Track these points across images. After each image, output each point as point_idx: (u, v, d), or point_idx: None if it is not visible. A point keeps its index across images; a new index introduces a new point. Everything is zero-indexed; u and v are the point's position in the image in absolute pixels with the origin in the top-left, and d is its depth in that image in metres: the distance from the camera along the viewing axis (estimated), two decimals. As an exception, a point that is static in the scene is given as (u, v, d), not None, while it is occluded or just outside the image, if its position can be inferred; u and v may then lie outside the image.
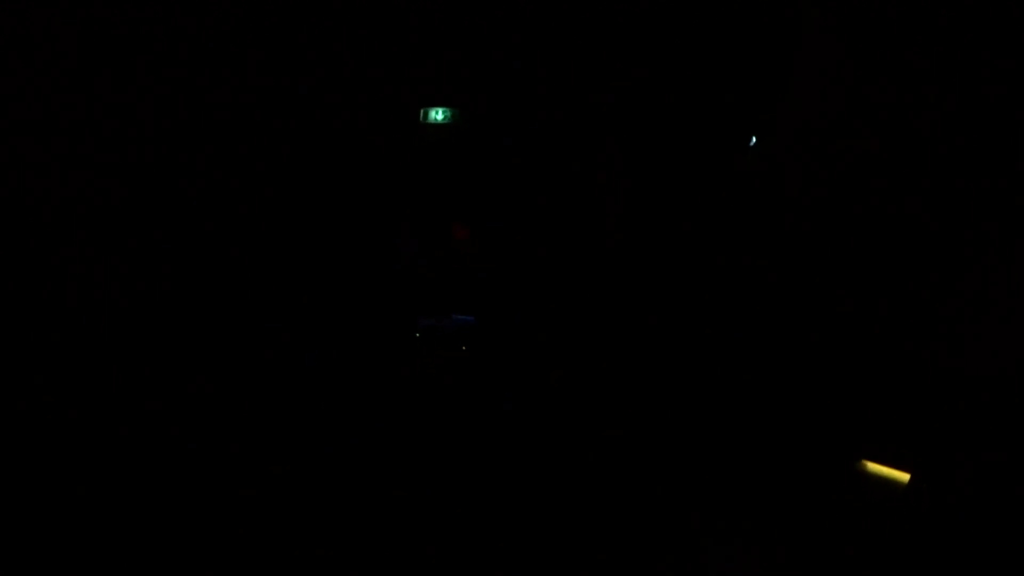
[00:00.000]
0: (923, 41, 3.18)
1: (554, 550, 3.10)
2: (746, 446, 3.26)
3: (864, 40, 3.26)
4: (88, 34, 2.99)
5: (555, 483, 3.22)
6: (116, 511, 2.92)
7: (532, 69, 3.25)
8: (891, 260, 3.26)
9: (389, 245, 3.26)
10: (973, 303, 3.18)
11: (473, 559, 2.99)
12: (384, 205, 3.25)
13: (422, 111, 3.22)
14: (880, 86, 3.25)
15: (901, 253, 3.25)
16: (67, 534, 2.83)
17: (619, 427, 3.30)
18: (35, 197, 2.98)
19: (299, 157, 3.17)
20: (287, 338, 3.18)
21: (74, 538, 2.83)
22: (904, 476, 3.26)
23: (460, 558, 3.01)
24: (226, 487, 3.04)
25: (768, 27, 3.28)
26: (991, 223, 3.14)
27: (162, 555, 2.87)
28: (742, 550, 3.14)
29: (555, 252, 3.32)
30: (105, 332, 3.06)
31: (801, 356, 3.30)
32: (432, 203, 3.30)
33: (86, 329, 3.04)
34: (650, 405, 3.31)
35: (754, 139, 3.26)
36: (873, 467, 3.30)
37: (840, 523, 3.22)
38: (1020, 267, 3.07)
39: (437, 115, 3.22)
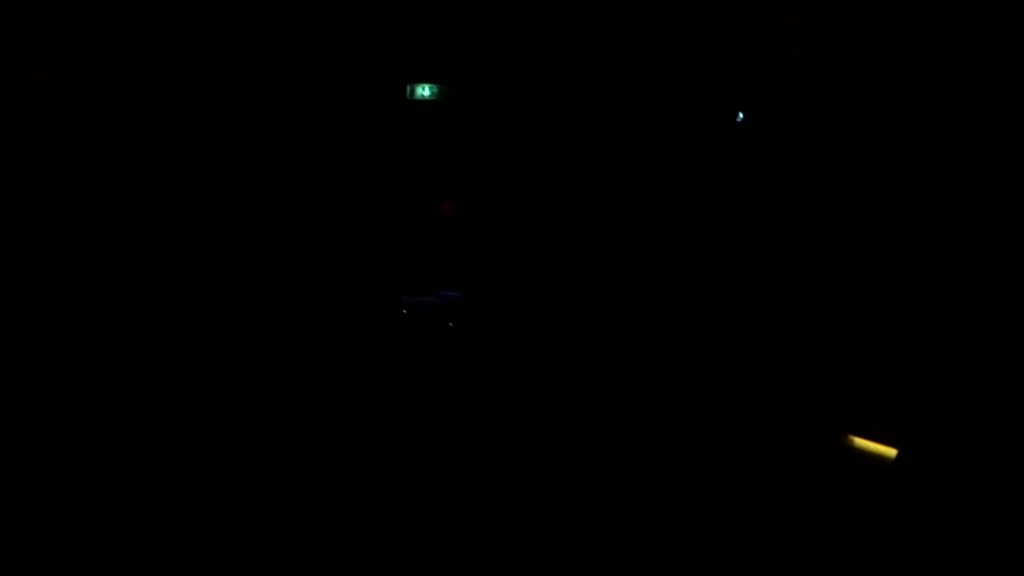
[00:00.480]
0: (912, 20, 3.19)
1: (542, 531, 3.08)
2: (735, 422, 3.26)
3: (852, 17, 3.27)
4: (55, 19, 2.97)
5: (540, 461, 3.21)
6: (104, 499, 2.90)
7: (519, 45, 3.24)
8: (877, 238, 3.27)
9: (377, 221, 3.24)
10: (956, 281, 3.19)
11: (461, 543, 2.97)
12: (371, 181, 3.24)
13: (409, 87, 3.21)
14: (867, 65, 3.26)
15: (886, 232, 3.27)
16: (59, 527, 2.81)
17: (607, 400, 3.29)
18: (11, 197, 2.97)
19: (285, 134, 3.15)
20: (274, 315, 3.16)
21: (65, 531, 2.80)
22: (891, 451, 3.27)
23: (448, 541, 2.99)
24: (213, 463, 3.01)
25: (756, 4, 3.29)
26: (973, 205, 3.16)
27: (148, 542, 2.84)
28: (732, 524, 3.14)
29: (543, 228, 3.31)
30: (89, 311, 3.04)
31: (789, 334, 3.30)
32: (420, 179, 3.28)
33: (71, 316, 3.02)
34: (635, 380, 3.31)
35: (741, 115, 3.27)
36: (861, 442, 3.30)
37: (829, 497, 3.22)
38: (998, 248, 3.09)
39: (424, 91, 3.21)
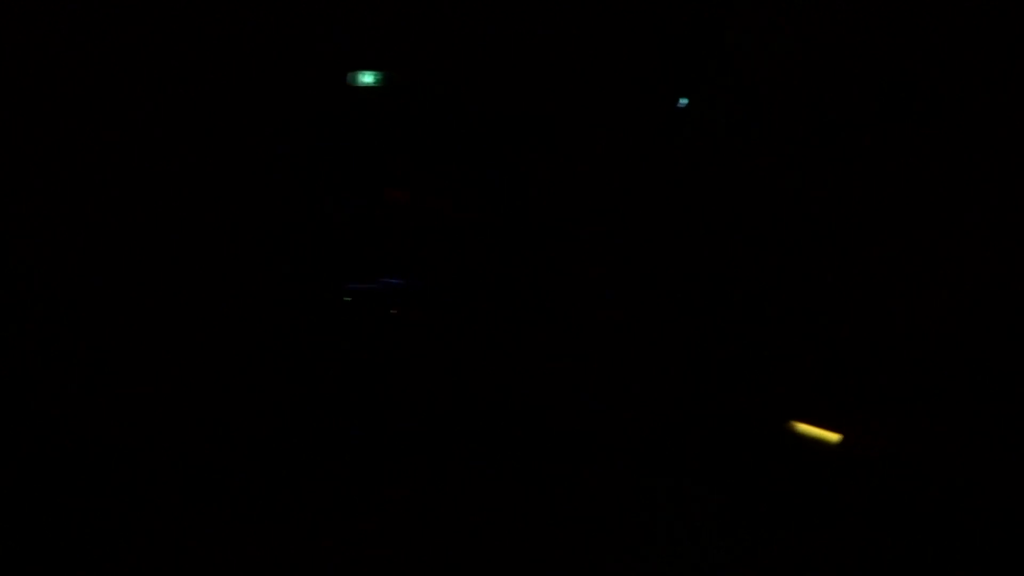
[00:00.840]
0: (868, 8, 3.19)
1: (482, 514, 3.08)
2: (679, 408, 3.26)
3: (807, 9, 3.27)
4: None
5: (484, 448, 3.21)
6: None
7: (462, 31, 3.24)
8: (818, 228, 3.27)
9: (320, 209, 3.24)
10: (895, 271, 3.20)
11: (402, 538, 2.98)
12: (314, 170, 3.24)
13: (351, 75, 3.20)
14: (812, 48, 3.26)
15: (827, 222, 3.27)
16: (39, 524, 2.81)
17: (554, 388, 3.29)
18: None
19: (228, 124, 3.15)
20: (217, 303, 3.16)
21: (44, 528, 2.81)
22: (833, 436, 3.28)
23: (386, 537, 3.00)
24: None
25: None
26: (915, 194, 3.16)
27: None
28: (680, 512, 3.14)
29: (485, 216, 3.31)
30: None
31: (732, 321, 3.30)
32: (364, 167, 3.28)
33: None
34: (578, 369, 3.31)
35: (684, 101, 3.27)
36: (803, 427, 3.31)
37: (771, 482, 3.22)
38: (942, 237, 3.10)
39: (367, 78, 3.21)
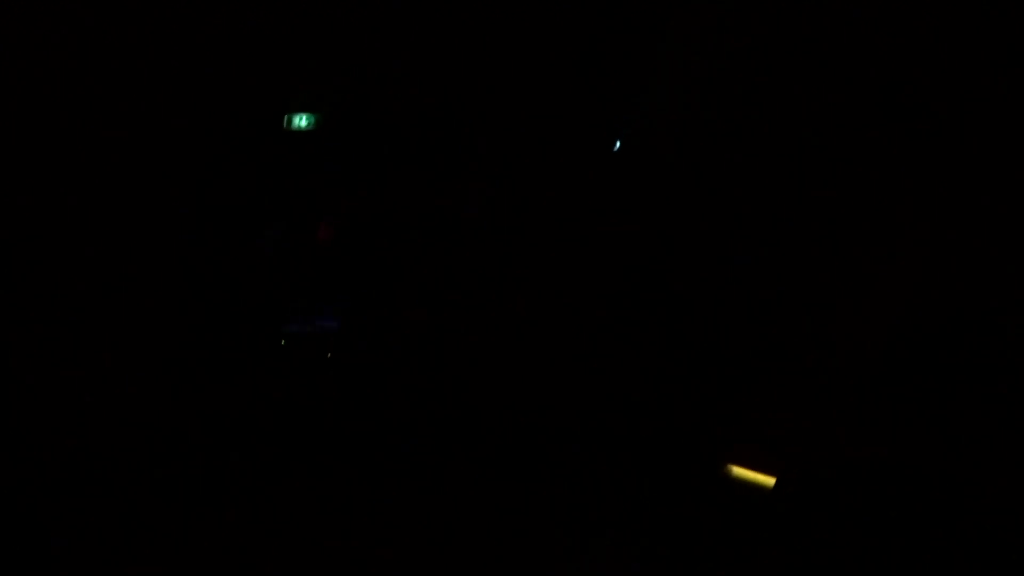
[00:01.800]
0: (783, 46, 3.22)
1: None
2: (615, 454, 3.25)
3: (726, 45, 3.30)
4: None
5: (416, 490, 3.19)
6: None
7: (395, 73, 3.24)
8: (750, 269, 3.28)
9: (254, 250, 3.22)
10: (830, 311, 3.21)
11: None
12: (248, 210, 3.22)
13: (286, 117, 3.20)
14: (742, 88, 3.28)
15: (759, 263, 3.28)
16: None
17: (482, 431, 3.28)
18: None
19: (161, 162, 3.12)
20: (148, 342, 3.13)
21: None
22: (769, 480, 3.28)
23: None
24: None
25: (632, 32, 3.31)
26: (844, 236, 3.18)
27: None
28: (613, 556, 3.13)
29: (419, 254, 3.31)
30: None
31: (666, 365, 3.30)
32: (296, 209, 3.27)
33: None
34: (513, 411, 3.30)
35: (619, 143, 3.28)
36: (739, 471, 3.31)
37: (709, 526, 3.22)
38: (871, 281, 3.12)
39: (301, 120, 3.20)
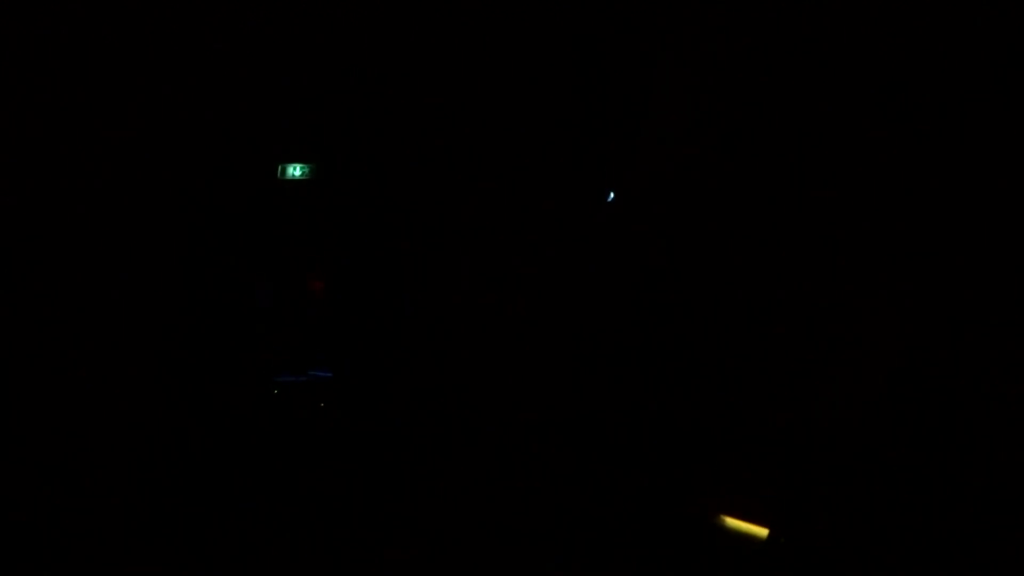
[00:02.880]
0: (770, 95, 3.24)
1: None
2: (603, 500, 3.25)
3: (716, 92, 3.32)
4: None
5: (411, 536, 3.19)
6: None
7: (387, 126, 3.27)
8: (743, 315, 3.29)
9: (247, 301, 3.23)
10: (822, 358, 3.21)
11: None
12: (242, 261, 3.23)
13: (280, 167, 3.21)
14: (733, 138, 3.31)
15: (751, 309, 3.28)
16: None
17: (476, 476, 3.28)
18: None
19: (154, 214, 3.14)
20: (144, 394, 3.13)
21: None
22: (762, 531, 3.27)
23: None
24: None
25: (622, 83, 3.34)
26: (837, 280, 3.19)
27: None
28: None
29: (410, 305, 3.32)
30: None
31: (655, 413, 3.30)
32: (289, 257, 3.28)
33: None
34: (508, 458, 3.30)
35: (612, 195, 3.30)
36: (732, 522, 3.29)
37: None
38: (866, 325, 3.12)
39: (295, 171, 3.22)
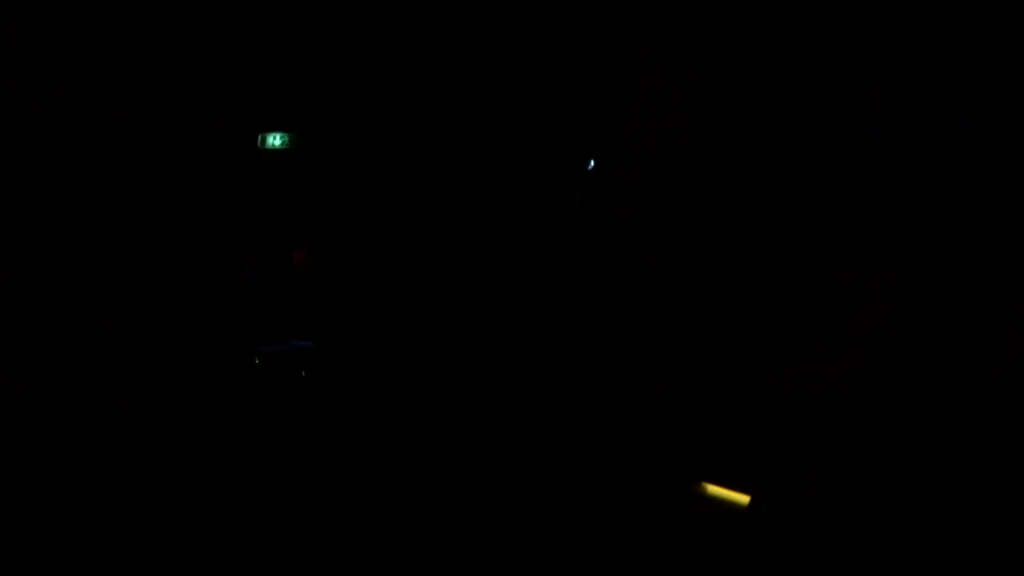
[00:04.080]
0: (755, 71, 3.25)
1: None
2: (586, 469, 3.24)
3: (701, 69, 3.33)
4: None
5: (395, 509, 3.18)
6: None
7: (369, 94, 3.27)
8: (726, 286, 3.29)
9: (229, 271, 3.23)
10: (806, 330, 3.21)
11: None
12: (223, 231, 3.23)
13: (260, 136, 3.21)
14: (716, 113, 3.31)
15: (736, 280, 3.28)
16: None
17: (460, 448, 3.27)
18: None
19: (134, 184, 3.14)
20: (126, 364, 3.14)
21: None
22: (744, 498, 3.26)
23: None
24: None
25: (607, 55, 3.34)
26: (824, 253, 3.19)
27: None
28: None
29: (392, 275, 3.32)
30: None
31: (638, 381, 3.30)
32: (271, 228, 3.28)
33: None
34: (489, 428, 3.29)
35: (592, 163, 3.29)
36: (714, 489, 3.29)
37: (683, 545, 3.20)
38: (852, 298, 3.12)
39: (275, 140, 3.22)
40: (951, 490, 2.85)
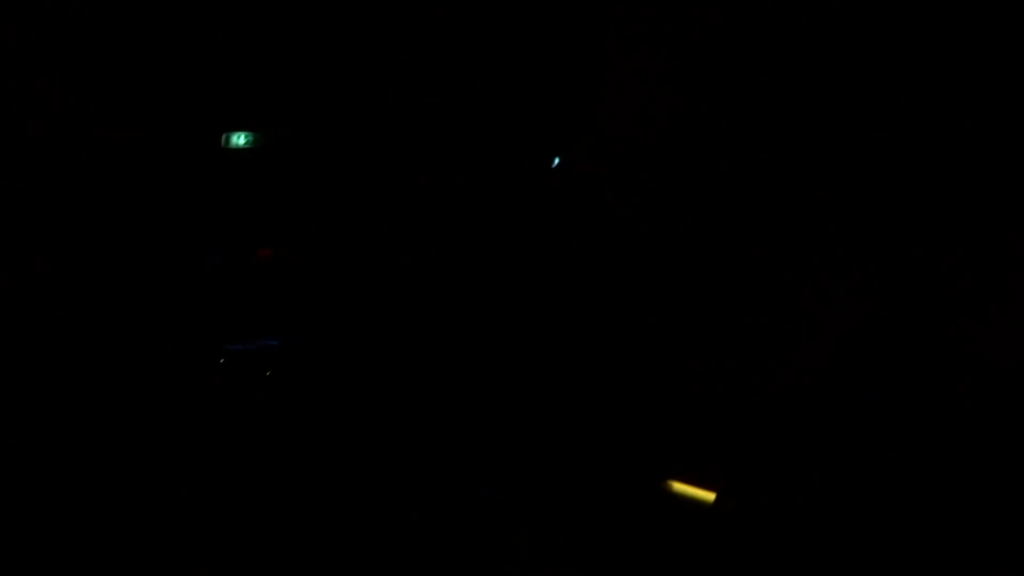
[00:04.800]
0: (733, 65, 3.24)
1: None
2: (549, 466, 3.26)
3: (674, 62, 3.31)
4: None
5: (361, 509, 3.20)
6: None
7: (335, 92, 3.26)
8: (694, 282, 3.29)
9: (194, 270, 3.22)
10: (773, 324, 3.22)
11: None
12: (188, 230, 3.22)
13: (224, 135, 3.20)
14: (693, 108, 3.30)
15: (704, 276, 3.29)
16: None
17: (429, 444, 3.29)
18: None
19: (97, 184, 3.12)
20: (86, 364, 3.14)
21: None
22: (709, 495, 3.28)
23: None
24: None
25: (578, 47, 3.33)
26: (796, 247, 3.19)
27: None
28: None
29: (360, 273, 3.33)
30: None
31: (604, 379, 3.31)
32: (236, 226, 3.27)
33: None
34: (459, 427, 3.31)
35: (557, 160, 3.28)
36: (679, 486, 3.30)
37: (647, 543, 3.22)
38: (821, 296, 3.12)
39: (239, 139, 3.20)
40: (930, 486, 2.87)
